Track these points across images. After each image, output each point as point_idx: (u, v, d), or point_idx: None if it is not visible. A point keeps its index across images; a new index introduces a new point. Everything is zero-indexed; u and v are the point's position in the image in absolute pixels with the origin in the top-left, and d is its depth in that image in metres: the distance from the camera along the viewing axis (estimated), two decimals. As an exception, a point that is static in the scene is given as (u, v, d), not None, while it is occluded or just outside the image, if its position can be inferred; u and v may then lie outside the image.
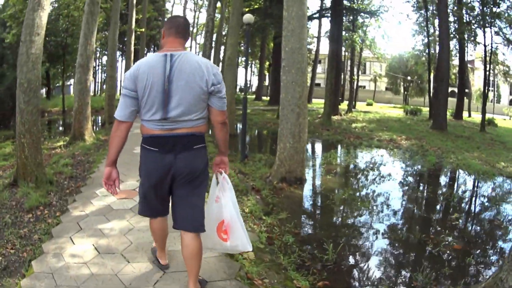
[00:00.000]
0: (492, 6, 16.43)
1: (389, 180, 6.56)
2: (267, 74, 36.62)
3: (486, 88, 18.92)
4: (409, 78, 37.86)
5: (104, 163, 4.99)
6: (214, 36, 20.52)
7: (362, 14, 17.06)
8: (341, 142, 10.98)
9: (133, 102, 1.89)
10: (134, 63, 3.08)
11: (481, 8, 17.79)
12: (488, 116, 18.12)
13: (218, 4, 20.20)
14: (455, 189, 6.57)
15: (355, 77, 28.16)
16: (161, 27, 25.02)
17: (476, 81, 36.37)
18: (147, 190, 2.02)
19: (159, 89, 1.84)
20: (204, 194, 2.03)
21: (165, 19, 30.62)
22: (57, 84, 40.05)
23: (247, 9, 25.63)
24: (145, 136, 1.94)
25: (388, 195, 5.55)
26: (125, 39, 18.80)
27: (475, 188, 6.81)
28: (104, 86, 12.42)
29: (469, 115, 24.78)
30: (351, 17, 17.33)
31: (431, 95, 20.06)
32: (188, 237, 1.98)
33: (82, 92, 8.58)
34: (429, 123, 17.53)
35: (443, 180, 7.42)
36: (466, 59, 20.81)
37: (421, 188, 6.53)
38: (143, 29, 18.24)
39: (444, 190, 6.35)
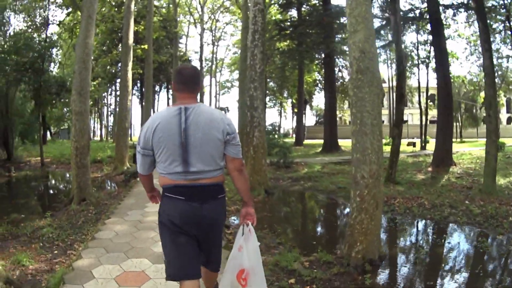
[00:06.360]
0: None
1: None
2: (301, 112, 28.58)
3: None
4: (476, 104, 29.90)
5: None
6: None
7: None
8: None
9: (151, 159, 1.97)
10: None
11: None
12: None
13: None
14: None
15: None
16: (173, 55, 20.04)
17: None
18: (176, 231, 1.94)
19: (175, 143, 1.86)
20: (221, 238, 2.23)
21: (177, 49, 26.36)
22: (63, 127, 35.97)
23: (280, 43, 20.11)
24: (168, 186, 1.94)
25: None
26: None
27: None
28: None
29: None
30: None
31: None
32: (208, 271, 2.21)
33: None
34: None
35: None
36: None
37: None
38: (145, 46, 13.59)
39: None
